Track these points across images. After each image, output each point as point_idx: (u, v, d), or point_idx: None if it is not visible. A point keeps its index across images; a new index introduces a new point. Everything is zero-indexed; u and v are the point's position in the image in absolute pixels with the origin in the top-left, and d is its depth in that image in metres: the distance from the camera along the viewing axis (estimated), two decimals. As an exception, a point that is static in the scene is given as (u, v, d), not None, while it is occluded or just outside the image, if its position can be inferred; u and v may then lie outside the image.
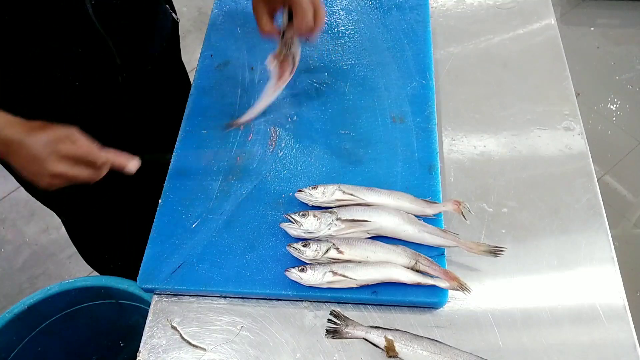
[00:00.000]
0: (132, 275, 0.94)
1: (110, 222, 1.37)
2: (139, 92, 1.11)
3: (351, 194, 0.93)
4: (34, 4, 0.87)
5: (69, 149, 0.83)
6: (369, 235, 0.92)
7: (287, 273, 0.87)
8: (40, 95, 0.98)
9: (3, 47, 0.90)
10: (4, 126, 0.83)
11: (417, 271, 0.86)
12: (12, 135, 0.82)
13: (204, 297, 0.90)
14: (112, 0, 0.97)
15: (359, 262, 0.87)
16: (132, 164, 0.91)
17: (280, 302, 0.89)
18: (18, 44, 0.91)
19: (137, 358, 0.85)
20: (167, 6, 1.15)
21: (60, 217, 1.39)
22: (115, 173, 1.25)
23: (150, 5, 1.08)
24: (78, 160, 0.85)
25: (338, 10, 1.26)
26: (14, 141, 0.83)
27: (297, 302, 0.89)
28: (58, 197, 1.26)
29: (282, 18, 0.99)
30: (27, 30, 0.89)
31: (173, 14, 1.17)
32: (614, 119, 2.42)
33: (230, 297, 0.90)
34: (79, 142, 0.85)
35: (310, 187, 0.94)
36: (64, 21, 0.91)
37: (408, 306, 0.88)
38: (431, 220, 0.92)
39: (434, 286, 0.85)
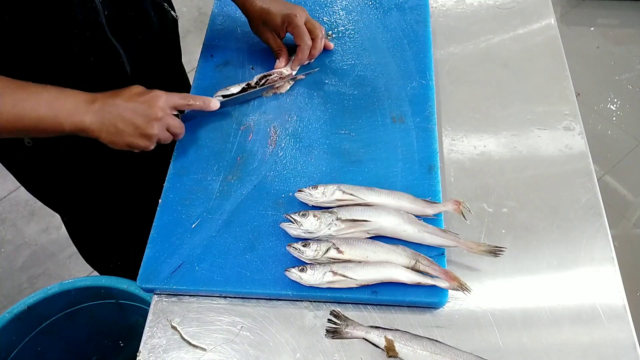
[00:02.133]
0: (132, 275, 0.94)
1: (111, 221, 1.37)
2: None
3: (351, 194, 0.93)
4: (51, 15, 0.88)
5: (166, 95, 0.95)
6: (369, 235, 0.92)
7: (287, 273, 0.87)
8: None
9: (20, 56, 0.91)
10: (94, 97, 0.89)
11: (417, 271, 0.86)
12: (103, 101, 0.89)
13: (204, 297, 0.90)
14: (126, 12, 0.99)
15: (359, 262, 0.87)
16: (214, 104, 1.04)
17: (280, 302, 0.89)
18: (36, 54, 0.92)
19: (137, 358, 0.85)
20: (165, 4, 1.15)
21: (60, 216, 1.39)
22: (116, 172, 1.25)
23: (156, 10, 1.10)
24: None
25: (338, 10, 1.26)
26: (107, 103, 0.89)
27: (297, 302, 0.89)
28: (59, 196, 1.27)
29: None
30: (44, 40, 0.90)
31: (172, 12, 1.18)
32: (614, 119, 2.42)
33: (230, 297, 0.90)
34: (172, 95, 0.97)
35: (310, 187, 0.94)
36: (79, 32, 0.92)
37: (408, 306, 0.88)
38: (431, 220, 0.92)
39: (434, 286, 0.85)
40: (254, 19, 1.13)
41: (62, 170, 1.16)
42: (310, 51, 1.11)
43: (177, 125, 0.97)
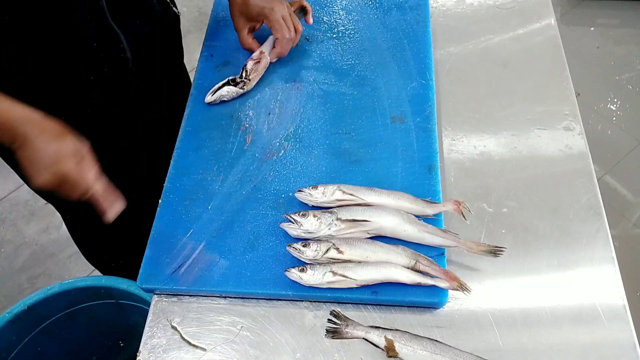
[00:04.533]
0: (133, 275, 0.94)
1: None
2: (145, 88, 1.12)
3: (351, 194, 0.93)
4: (52, 1, 0.87)
5: (68, 170, 0.83)
6: (369, 235, 0.92)
7: (287, 273, 0.87)
8: (55, 89, 0.99)
9: (23, 44, 0.91)
10: (23, 122, 0.84)
11: (417, 271, 0.86)
12: (27, 132, 0.83)
13: (204, 297, 0.90)
14: None
15: (359, 262, 0.87)
16: (111, 213, 0.88)
17: (280, 302, 0.89)
18: (39, 41, 0.92)
19: (137, 358, 0.85)
20: (168, 0, 1.15)
21: (62, 215, 1.39)
22: (117, 171, 1.25)
23: (159, 2, 1.10)
24: (68, 181, 0.84)
25: (338, 10, 1.26)
26: (27, 139, 0.84)
27: (297, 302, 0.89)
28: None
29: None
30: (46, 26, 0.90)
31: (174, 8, 1.18)
32: (614, 119, 2.42)
33: (230, 297, 0.90)
34: (82, 166, 0.85)
35: (310, 187, 0.94)
36: (80, 17, 0.92)
37: (408, 306, 0.88)
38: (431, 220, 0.92)
39: (434, 286, 0.85)
40: (233, 4, 1.12)
41: None
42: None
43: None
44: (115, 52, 1.01)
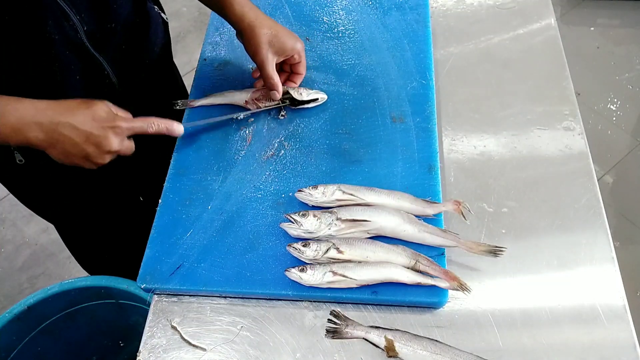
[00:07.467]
0: (132, 275, 0.94)
1: (107, 229, 1.35)
2: (134, 99, 1.11)
3: (351, 194, 0.93)
4: (32, 41, 0.87)
5: (127, 126, 0.89)
6: (369, 235, 0.92)
7: (287, 273, 0.87)
8: None
9: (11, 83, 0.91)
10: (45, 109, 0.83)
11: (417, 271, 0.86)
12: (55, 117, 0.83)
13: (204, 297, 0.90)
14: (106, 25, 0.97)
15: (359, 262, 0.87)
16: (178, 129, 0.98)
17: (280, 302, 0.89)
18: (21, 80, 0.91)
19: (137, 358, 0.85)
20: (155, 7, 1.14)
21: (54, 226, 1.38)
22: (114, 175, 1.24)
23: (141, 16, 1.07)
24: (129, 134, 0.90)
25: (338, 10, 1.26)
26: (60, 123, 0.83)
27: (297, 302, 0.89)
28: (52, 209, 1.25)
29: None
30: (27, 66, 0.90)
31: (162, 15, 1.16)
32: (614, 119, 2.42)
33: (230, 297, 0.90)
34: (129, 118, 0.90)
35: (310, 187, 0.94)
36: (60, 54, 0.91)
37: (408, 306, 0.88)
38: (431, 220, 0.92)
39: (434, 286, 0.85)
40: (259, 36, 1.02)
41: (56, 185, 1.14)
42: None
43: (128, 150, 0.92)
44: (99, 80, 1.00)
